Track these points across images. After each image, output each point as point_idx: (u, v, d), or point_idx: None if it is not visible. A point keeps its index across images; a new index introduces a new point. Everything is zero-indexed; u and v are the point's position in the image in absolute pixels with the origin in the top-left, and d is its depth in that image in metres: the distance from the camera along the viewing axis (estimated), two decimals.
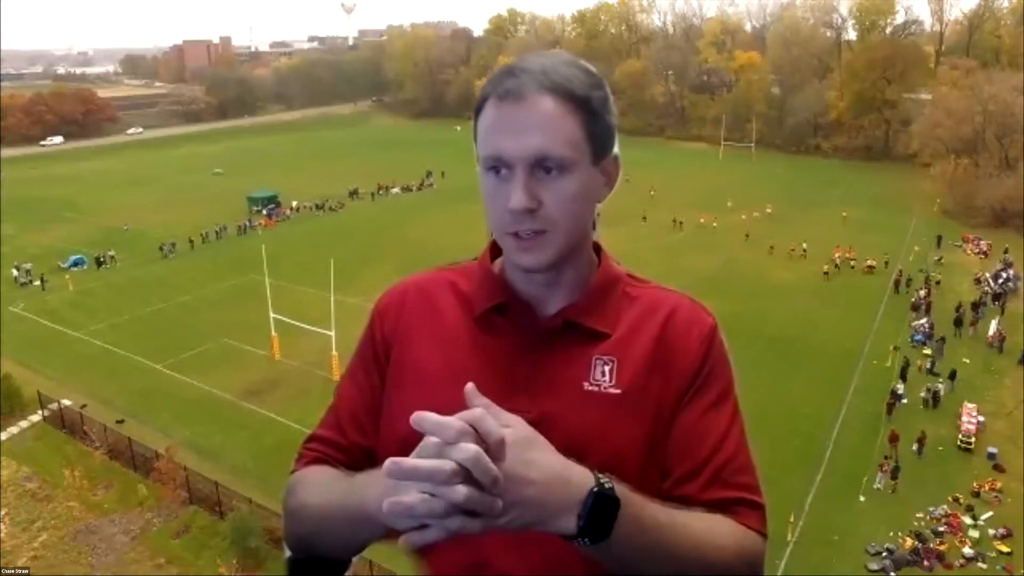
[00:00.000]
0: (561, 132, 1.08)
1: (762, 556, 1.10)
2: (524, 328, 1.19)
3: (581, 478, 0.93)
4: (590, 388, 1.14)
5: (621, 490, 0.94)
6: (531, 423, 0.96)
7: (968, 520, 19.94)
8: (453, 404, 1.11)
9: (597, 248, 1.27)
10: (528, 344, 1.18)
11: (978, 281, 38.03)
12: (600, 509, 0.92)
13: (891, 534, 19.49)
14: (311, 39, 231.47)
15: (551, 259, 1.13)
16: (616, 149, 1.18)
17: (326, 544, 1.15)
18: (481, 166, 1.13)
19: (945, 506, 20.49)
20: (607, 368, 1.15)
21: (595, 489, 0.92)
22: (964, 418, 24.07)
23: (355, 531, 1.08)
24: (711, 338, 1.19)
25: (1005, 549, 18.86)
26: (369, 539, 1.11)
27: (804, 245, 42.03)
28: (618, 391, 1.14)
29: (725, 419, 1.16)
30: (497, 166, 1.10)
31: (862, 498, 21.01)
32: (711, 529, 1.05)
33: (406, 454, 0.91)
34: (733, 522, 1.08)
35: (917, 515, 20.17)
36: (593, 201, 1.16)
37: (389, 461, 0.87)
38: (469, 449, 0.85)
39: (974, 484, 21.27)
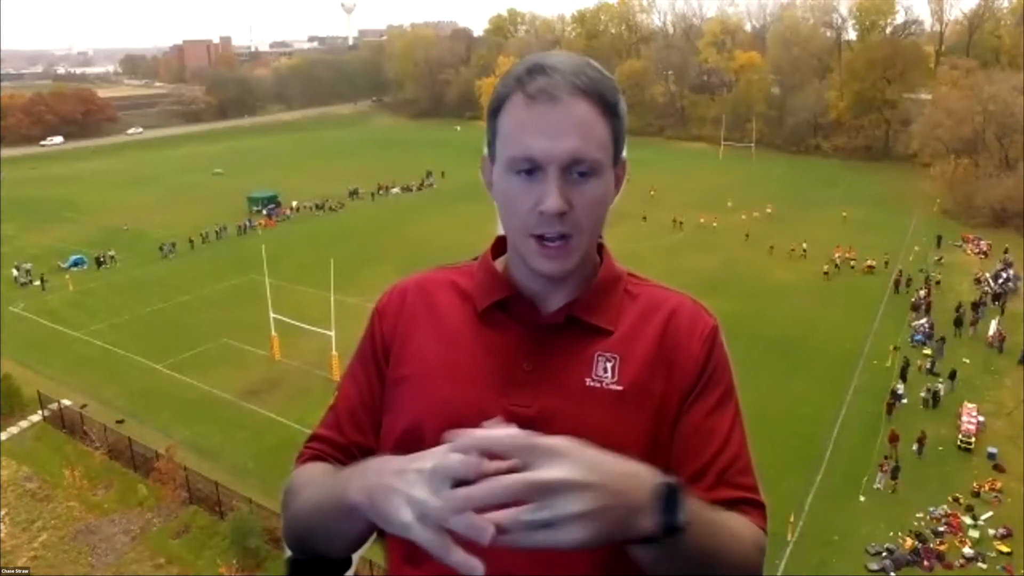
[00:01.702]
0: (594, 135, 1.08)
1: (765, 553, 1.11)
2: (527, 323, 1.19)
3: (645, 471, 0.88)
4: (592, 384, 1.14)
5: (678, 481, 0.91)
6: (532, 418, 0.96)
7: (968, 520, 19.94)
8: (454, 399, 1.09)
9: (599, 247, 1.27)
10: (531, 339, 1.17)
11: (978, 281, 38.02)
12: (674, 501, 0.88)
13: (891, 534, 19.49)
14: (311, 39, 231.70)
15: (573, 265, 1.13)
16: (624, 152, 1.19)
17: (319, 539, 1.14)
18: (504, 166, 1.11)
19: (945, 506, 20.50)
20: (609, 365, 1.15)
21: (663, 481, 0.88)
22: (964, 418, 24.07)
23: (340, 524, 1.07)
24: (713, 339, 1.20)
25: (1005, 549, 18.86)
26: (355, 532, 1.08)
27: (804, 245, 42.03)
28: (620, 388, 1.14)
29: (728, 420, 1.16)
30: (527, 167, 1.08)
31: (862, 498, 21.01)
32: (740, 526, 1.06)
33: (406, 450, 0.92)
34: (748, 519, 1.09)
35: (917, 515, 20.18)
36: (610, 204, 1.16)
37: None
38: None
39: (974, 484, 21.28)
